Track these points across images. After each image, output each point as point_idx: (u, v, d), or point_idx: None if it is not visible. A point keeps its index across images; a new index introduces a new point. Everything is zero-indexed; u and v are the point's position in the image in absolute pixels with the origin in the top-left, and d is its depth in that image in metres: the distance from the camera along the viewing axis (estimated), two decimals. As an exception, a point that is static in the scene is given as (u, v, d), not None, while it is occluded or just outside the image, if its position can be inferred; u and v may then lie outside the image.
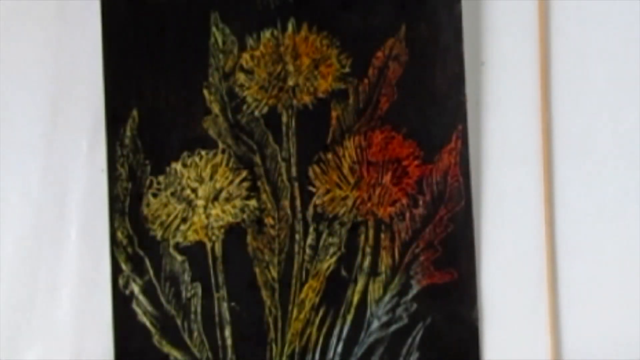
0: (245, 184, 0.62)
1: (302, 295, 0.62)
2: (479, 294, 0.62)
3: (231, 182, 0.62)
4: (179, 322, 0.62)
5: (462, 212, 0.62)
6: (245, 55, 0.63)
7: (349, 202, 0.62)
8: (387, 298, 0.62)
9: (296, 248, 0.62)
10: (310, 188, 0.63)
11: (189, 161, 0.62)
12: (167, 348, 0.62)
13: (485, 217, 0.63)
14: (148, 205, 0.62)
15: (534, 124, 0.64)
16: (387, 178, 0.62)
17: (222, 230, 0.62)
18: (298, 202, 0.62)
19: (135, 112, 0.62)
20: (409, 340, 0.62)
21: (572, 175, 0.63)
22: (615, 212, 0.63)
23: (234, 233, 0.62)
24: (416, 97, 0.63)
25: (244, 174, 0.62)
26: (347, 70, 0.63)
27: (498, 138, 0.64)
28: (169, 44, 0.63)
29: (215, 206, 0.62)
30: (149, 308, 0.62)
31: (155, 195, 0.62)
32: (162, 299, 0.62)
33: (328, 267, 0.62)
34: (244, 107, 0.63)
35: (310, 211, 0.62)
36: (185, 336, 0.62)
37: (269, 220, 0.62)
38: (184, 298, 0.62)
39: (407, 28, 0.63)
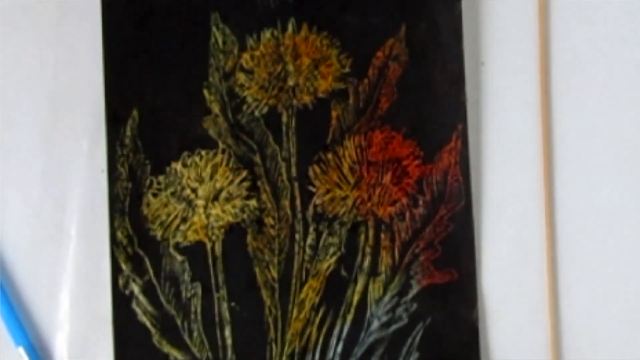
0: (245, 184, 0.62)
1: (302, 295, 0.62)
2: (479, 294, 0.62)
3: (231, 182, 0.62)
4: (179, 322, 0.62)
5: (462, 212, 0.63)
6: (246, 55, 0.63)
7: (349, 202, 0.62)
8: (387, 298, 0.62)
9: (296, 248, 0.62)
10: (310, 188, 0.63)
11: (189, 161, 0.62)
12: (167, 348, 0.62)
13: (485, 217, 0.63)
14: (148, 205, 0.62)
15: (534, 124, 0.64)
16: (387, 178, 0.63)
17: (222, 230, 0.62)
18: (298, 202, 0.62)
19: (135, 112, 0.63)
20: (409, 340, 0.62)
21: (572, 176, 0.63)
22: (615, 212, 0.63)
23: (234, 233, 0.62)
24: (416, 97, 0.63)
25: (244, 174, 0.63)
26: (347, 70, 0.63)
27: (498, 138, 0.64)
28: (169, 44, 0.63)
29: (215, 206, 0.62)
30: (149, 308, 0.62)
31: (155, 195, 0.62)
32: (162, 299, 0.62)
33: (328, 267, 0.62)
34: (244, 107, 0.63)
35: (310, 211, 0.62)
36: (185, 336, 0.62)
37: (269, 220, 0.62)
38: (184, 298, 0.62)
39: (407, 28, 0.63)
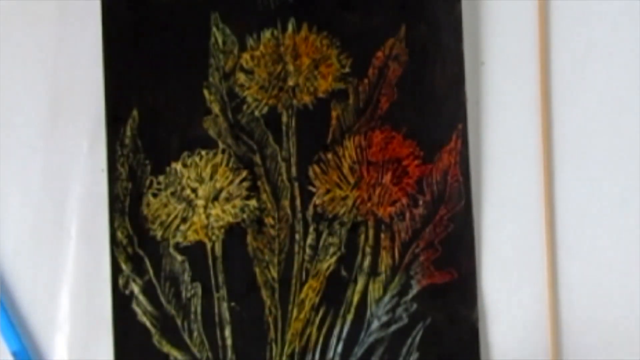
0: (245, 184, 0.62)
1: (302, 295, 0.62)
2: (479, 294, 0.62)
3: (231, 182, 0.62)
4: (179, 322, 0.62)
5: (462, 212, 0.63)
6: (246, 55, 0.63)
7: (349, 202, 0.62)
8: (387, 298, 0.62)
9: (296, 248, 0.62)
10: (310, 188, 0.63)
11: (189, 161, 0.62)
12: (167, 348, 0.62)
13: (485, 217, 0.63)
14: (148, 205, 0.62)
15: (534, 124, 0.64)
16: (387, 178, 0.63)
17: (222, 230, 0.62)
18: (298, 202, 0.62)
19: (135, 112, 0.63)
20: (409, 340, 0.62)
21: (572, 175, 0.63)
22: (615, 212, 0.63)
23: (234, 233, 0.62)
24: (416, 97, 0.63)
25: (244, 174, 0.63)
26: (347, 70, 0.63)
27: (498, 138, 0.64)
28: (169, 44, 0.63)
29: (215, 206, 0.62)
30: (149, 308, 0.62)
31: (155, 195, 0.62)
32: (162, 299, 0.62)
33: (328, 267, 0.62)
34: (244, 107, 0.63)
35: (310, 211, 0.62)
36: (185, 336, 0.62)
37: (269, 220, 0.62)
38: (184, 298, 0.62)
39: (407, 28, 0.63)
